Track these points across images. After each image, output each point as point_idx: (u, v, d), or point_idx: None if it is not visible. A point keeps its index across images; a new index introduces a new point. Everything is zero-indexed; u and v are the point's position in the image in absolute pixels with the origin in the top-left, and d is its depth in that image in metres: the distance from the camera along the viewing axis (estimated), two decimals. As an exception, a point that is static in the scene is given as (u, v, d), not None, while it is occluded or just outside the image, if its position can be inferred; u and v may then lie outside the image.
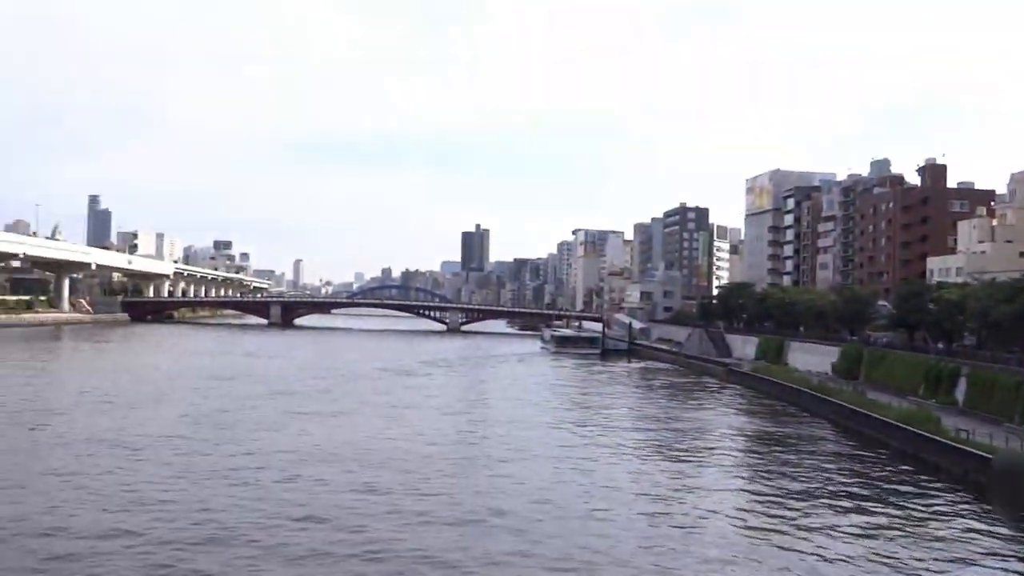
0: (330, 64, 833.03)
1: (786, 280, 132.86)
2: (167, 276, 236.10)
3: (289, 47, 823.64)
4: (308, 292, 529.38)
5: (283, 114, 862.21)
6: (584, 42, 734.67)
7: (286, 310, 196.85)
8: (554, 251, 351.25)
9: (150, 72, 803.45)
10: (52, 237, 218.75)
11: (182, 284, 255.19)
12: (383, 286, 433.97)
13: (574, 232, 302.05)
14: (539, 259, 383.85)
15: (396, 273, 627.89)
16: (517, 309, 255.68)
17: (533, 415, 54.29)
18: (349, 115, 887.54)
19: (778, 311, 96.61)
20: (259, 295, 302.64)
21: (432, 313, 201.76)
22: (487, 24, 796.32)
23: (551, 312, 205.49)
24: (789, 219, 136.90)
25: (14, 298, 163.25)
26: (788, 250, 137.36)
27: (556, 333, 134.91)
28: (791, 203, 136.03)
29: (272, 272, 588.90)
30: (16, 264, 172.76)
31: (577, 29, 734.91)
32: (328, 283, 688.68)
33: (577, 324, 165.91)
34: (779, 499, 32.51)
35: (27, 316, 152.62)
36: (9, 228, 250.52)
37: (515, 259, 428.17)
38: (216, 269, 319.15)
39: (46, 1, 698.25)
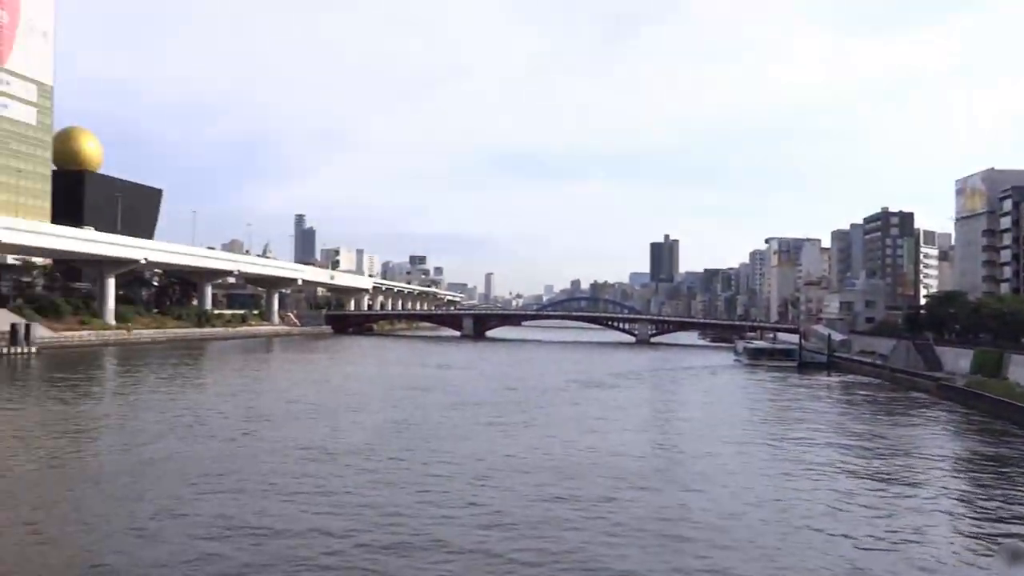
0: (514, 77, 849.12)
1: (1004, 288, 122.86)
2: (367, 290, 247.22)
3: (471, 64, 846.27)
4: (499, 305, 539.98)
5: (472, 130, 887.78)
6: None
7: (478, 322, 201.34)
8: (746, 260, 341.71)
9: (347, 97, 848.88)
10: (263, 255, 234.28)
11: (380, 298, 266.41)
12: (572, 298, 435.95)
13: (767, 241, 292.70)
14: (731, 269, 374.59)
15: (585, 285, 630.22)
16: (708, 320, 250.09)
17: (727, 429, 52.48)
18: (536, 128, 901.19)
19: (995, 322, 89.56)
20: (452, 308, 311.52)
21: (621, 325, 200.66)
22: (678, 25, 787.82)
23: (744, 323, 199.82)
24: (1006, 222, 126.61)
25: (230, 312, 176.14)
26: (1006, 256, 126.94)
27: (750, 345, 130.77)
28: (1008, 205, 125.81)
29: (464, 285, 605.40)
30: (232, 280, 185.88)
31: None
32: (518, 296, 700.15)
33: (772, 336, 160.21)
34: (1004, 529, 29.65)
35: (242, 329, 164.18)
36: (226, 247, 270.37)
37: (705, 269, 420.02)
38: (410, 283, 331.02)
39: (247, 38, 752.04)
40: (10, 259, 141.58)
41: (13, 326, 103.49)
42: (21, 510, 28.40)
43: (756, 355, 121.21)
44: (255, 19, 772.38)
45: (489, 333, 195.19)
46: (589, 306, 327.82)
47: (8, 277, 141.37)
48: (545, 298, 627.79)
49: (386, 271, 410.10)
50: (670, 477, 36.96)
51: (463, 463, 37.83)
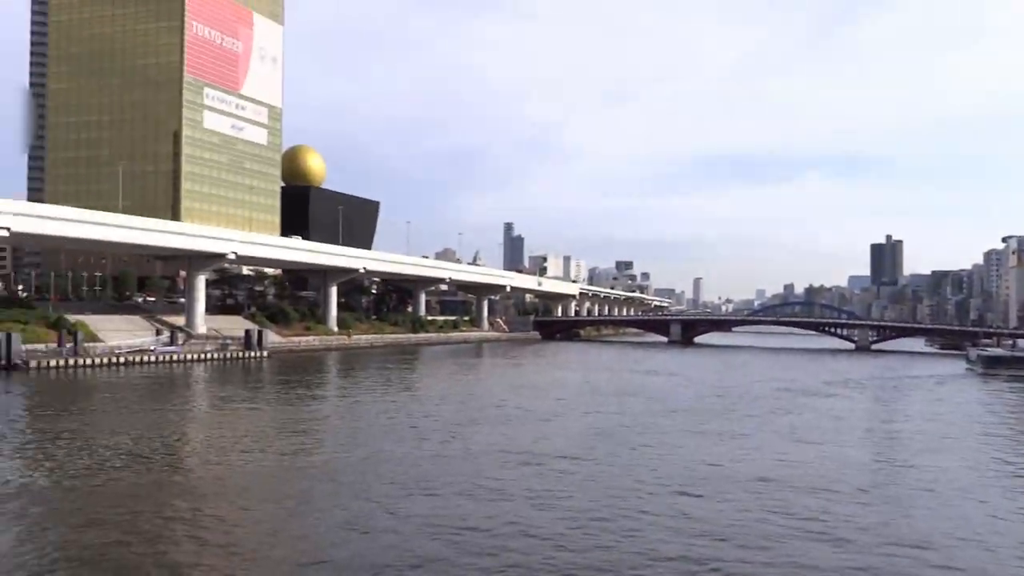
0: (722, 77, 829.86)
1: None
2: (573, 296, 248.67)
3: (678, 66, 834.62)
4: (708, 310, 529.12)
5: (680, 134, 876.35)
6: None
7: (686, 328, 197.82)
8: (979, 261, 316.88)
9: (555, 105, 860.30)
10: (473, 263, 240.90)
11: (587, 303, 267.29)
12: (785, 303, 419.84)
13: (1004, 240, 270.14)
14: (961, 271, 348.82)
15: (799, 289, 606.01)
16: (936, 326, 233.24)
17: (957, 445, 48.22)
18: (746, 129, 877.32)
19: None
20: (659, 313, 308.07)
21: (838, 331, 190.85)
22: (894, 13, 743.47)
23: (978, 329, 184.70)
24: None
25: (443, 318, 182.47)
26: None
27: (985, 353, 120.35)
28: None
29: (672, 291, 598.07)
30: (444, 287, 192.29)
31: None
32: (728, 300, 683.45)
33: (1010, 343, 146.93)
34: None
35: (454, 334, 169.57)
36: (439, 256, 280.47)
37: (933, 271, 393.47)
38: (613, 288, 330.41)
39: (456, 53, 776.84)
40: (245, 270, 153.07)
41: (247, 332, 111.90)
42: (252, 503, 30.40)
43: (992, 364, 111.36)
44: (461, 33, 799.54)
45: (697, 339, 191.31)
46: (804, 311, 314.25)
47: (243, 286, 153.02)
48: (756, 303, 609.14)
49: (592, 277, 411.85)
50: (891, 493, 34.37)
51: (669, 470, 36.91)
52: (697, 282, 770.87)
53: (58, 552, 24.10)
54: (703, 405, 64.41)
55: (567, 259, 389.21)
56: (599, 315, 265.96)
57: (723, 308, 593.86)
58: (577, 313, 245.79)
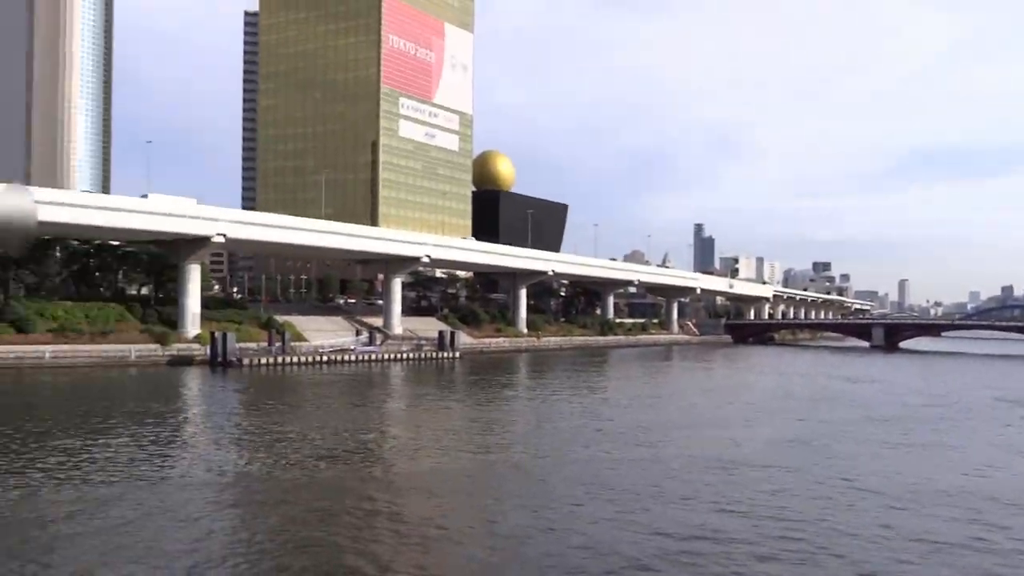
0: (923, 69, 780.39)
1: None
2: (767, 299, 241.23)
3: (876, 57, 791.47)
4: (914, 314, 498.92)
5: (879, 130, 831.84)
6: None
7: (889, 332, 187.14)
8: None
9: (742, 103, 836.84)
10: (662, 265, 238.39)
11: (781, 306, 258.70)
12: (1003, 306, 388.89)
13: None
14: None
15: (1019, 292, 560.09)
16: None
17: None
18: (954, 123, 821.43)
19: None
20: (860, 317, 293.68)
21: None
22: None
23: None
24: None
25: (631, 321, 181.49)
26: None
27: None
28: None
29: (875, 293, 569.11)
30: (632, 290, 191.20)
31: None
32: (937, 304, 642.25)
33: None
34: None
35: (642, 337, 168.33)
36: (627, 258, 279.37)
37: None
38: (806, 290, 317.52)
39: (636, 56, 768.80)
40: (438, 272, 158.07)
41: (441, 333, 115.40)
42: (447, 498, 31.26)
43: None
44: (644, 34, 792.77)
45: (902, 344, 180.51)
46: None
47: (436, 289, 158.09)
48: (970, 306, 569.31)
49: (787, 279, 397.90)
50: None
51: (870, 481, 34.81)
52: (902, 284, 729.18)
53: (268, 537, 25.61)
54: (908, 414, 60.51)
55: (760, 260, 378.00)
56: (794, 318, 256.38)
57: (931, 312, 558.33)
58: (771, 316, 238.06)
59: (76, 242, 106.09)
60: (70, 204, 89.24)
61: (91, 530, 25.29)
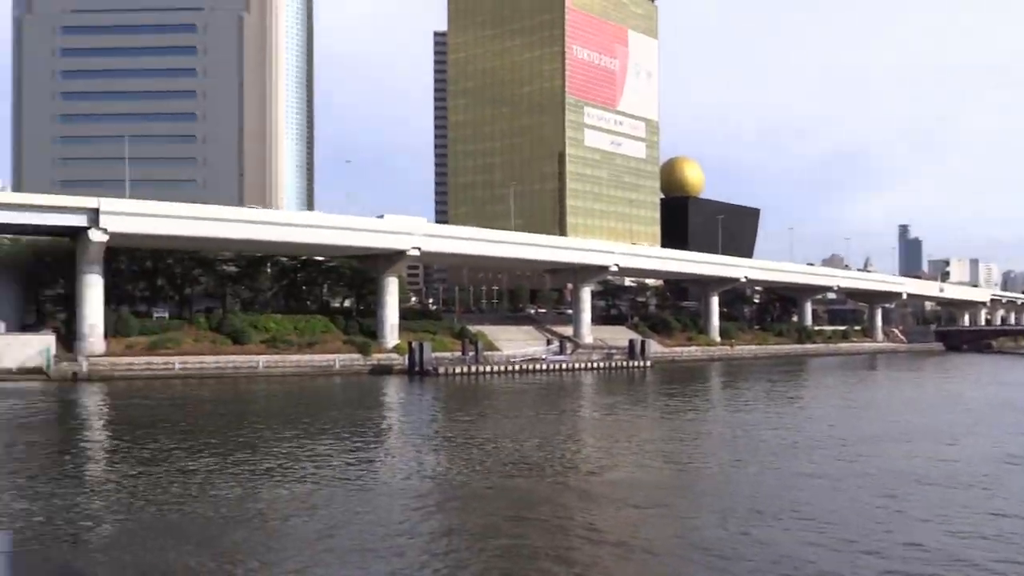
0: None
1: None
2: (983, 303, 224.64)
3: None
4: None
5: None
6: None
7: None
8: None
9: (942, 97, 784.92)
10: (864, 269, 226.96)
11: (1000, 311, 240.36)
12: None
13: None
14: None
15: None
16: None
17: None
18: None
19: None
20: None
21: None
22: None
23: None
24: None
25: (831, 328, 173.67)
26: None
27: None
28: None
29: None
30: (831, 296, 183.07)
31: None
32: None
33: None
34: None
35: (843, 345, 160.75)
36: (825, 262, 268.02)
37: None
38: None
39: (827, 55, 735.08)
40: (627, 281, 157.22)
41: (631, 342, 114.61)
42: (639, 509, 30.68)
43: None
44: (830, 34, 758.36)
45: None
46: None
47: (625, 297, 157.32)
48: None
49: (1007, 282, 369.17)
50: None
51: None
52: None
53: (466, 543, 26.00)
54: None
55: (974, 263, 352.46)
56: (1016, 324, 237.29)
57: None
58: (988, 322, 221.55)
59: (285, 259, 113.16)
60: (276, 223, 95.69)
61: (303, 531, 26.61)
